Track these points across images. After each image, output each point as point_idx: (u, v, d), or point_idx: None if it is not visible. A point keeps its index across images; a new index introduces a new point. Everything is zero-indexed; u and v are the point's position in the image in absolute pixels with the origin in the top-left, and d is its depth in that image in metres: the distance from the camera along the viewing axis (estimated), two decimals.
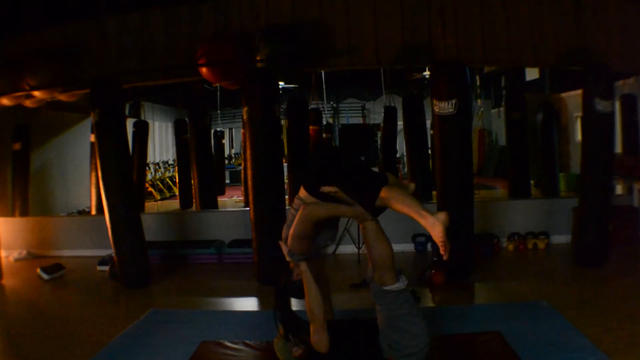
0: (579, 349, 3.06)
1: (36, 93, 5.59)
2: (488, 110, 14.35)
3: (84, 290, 5.10)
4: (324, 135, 9.59)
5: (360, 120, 15.87)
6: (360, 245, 5.70)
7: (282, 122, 6.56)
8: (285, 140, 7.37)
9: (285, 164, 6.71)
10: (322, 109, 9.49)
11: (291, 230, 2.63)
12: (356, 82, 12.80)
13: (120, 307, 4.71)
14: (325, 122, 10.46)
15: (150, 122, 9.32)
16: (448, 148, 4.78)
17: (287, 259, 2.74)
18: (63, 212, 8.72)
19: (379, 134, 11.52)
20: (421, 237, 6.03)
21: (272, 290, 2.99)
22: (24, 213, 7.44)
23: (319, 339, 2.63)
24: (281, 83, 9.02)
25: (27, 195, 7.60)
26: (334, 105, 15.60)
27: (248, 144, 4.96)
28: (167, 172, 13.18)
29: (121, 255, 5.01)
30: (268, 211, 4.90)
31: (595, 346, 3.08)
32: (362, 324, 2.84)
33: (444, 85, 4.72)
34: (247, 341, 3.42)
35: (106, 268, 5.50)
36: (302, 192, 2.67)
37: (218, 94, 10.17)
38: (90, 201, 8.02)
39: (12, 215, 7.34)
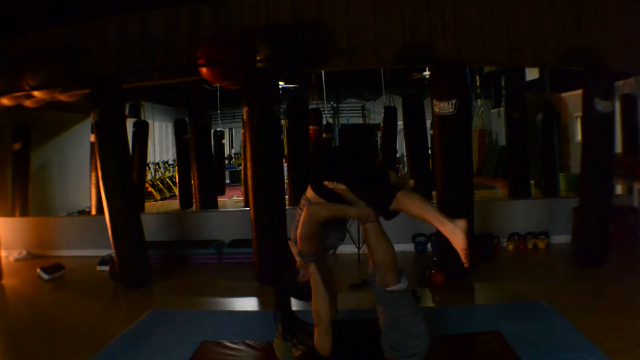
0: (579, 349, 3.06)
1: (36, 93, 5.59)
2: (488, 110, 14.36)
3: (84, 290, 5.10)
4: (324, 135, 9.59)
5: (360, 120, 15.88)
6: (360, 245, 5.70)
7: (282, 122, 6.57)
8: (285, 140, 7.38)
9: (285, 164, 6.71)
10: (322, 109, 9.49)
11: (298, 232, 2.62)
12: (356, 82, 12.80)
13: (120, 307, 4.71)
14: (325, 122, 10.45)
15: (150, 122, 9.32)
16: (448, 148, 4.78)
17: (297, 259, 2.72)
18: (63, 212, 8.72)
19: (379, 134, 11.53)
20: (421, 237, 6.03)
21: (273, 290, 2.97)
22: (24, 213, 7.44)
23: (322, 342, 2.63)
24: (281, 83, 9.02)
25: (27, 195, 7.60)
26: (334, 105, 15.61)
27: (248, 144, 4.96)
28: (167, 172, 13.19)
29: (121, 255, 5.01)
30: (268, 211, 4.90)
31: (595, 346, 3.08)
32: (363, 324, 2.85)
33: (444, 85, 4.72)
34: (247, 341, 3.42)
35: (106, 268, 5.49)
36: (309, 192, 2.64)
37: (218, 94, 10.17)
38: (90, 201, 8.02)
39: (12, 215, 7.34)
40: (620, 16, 5.32)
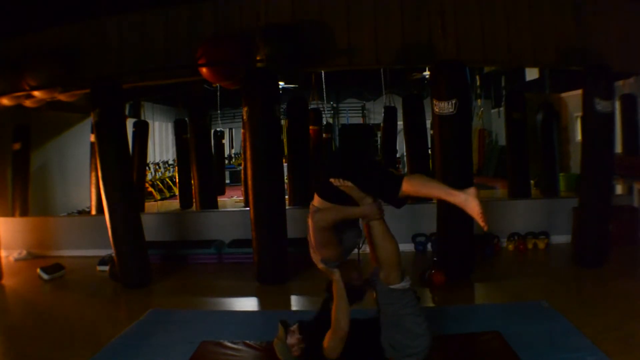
0: (579, 349, 3.06)
1: (36, 93, 5.59)
2: (488, 110, 14.36)
3: (84, 291, 5.10)
4: (324, 135, 9.59)
5: (360, 120, 15.88)
6: (361, 245, 5.69)
7: (282, 122, 6.56)
8: (285, 140, 7.37)
9: (285, 164, 6.71)
10: (322, 109, 9.49)
11: (312, 241, 2.63)
12: (356, 82, 12.82)
13: (120, 307, 4.71)
14: (325, 122, 10.45)
15: (150, 122, 9.31)
16: (448, 148, 4.78)
17: (320, 267, 2.73)
18: (63, 212, 8.71)
19: (379, 134, 11.53)
20: (421, 237, 6.03)
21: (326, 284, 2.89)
22: (24, 213, 7.44)
23: (334, 348, 2.62)
24: (281, 83, 9.01)
25: (27, 195, 7.61)
26: (334, 105, 15.61)
27: (248, 144, 4.96)
28: (167, 172, 13.19)
29: (121, 255, 5.01)
30: (268, 211, 4.90)
31: (595, 346, 3.08)
32: (364, 323, 2.84)
33: (444, 85, 4.71)
34: (247, 341, 3.41)
35: (106, 268, 5.49)
36: (316, 199, 2.65)
37: (218, 94, 10.18)
38: (90, 201, 8.02)
39: (12, 215, 7.33)
40: (620, 16, 5.32)
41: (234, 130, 17.51)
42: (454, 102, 4.65)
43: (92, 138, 7.60)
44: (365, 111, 15.93)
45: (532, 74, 10.68)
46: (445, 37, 5.11)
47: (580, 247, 5.13)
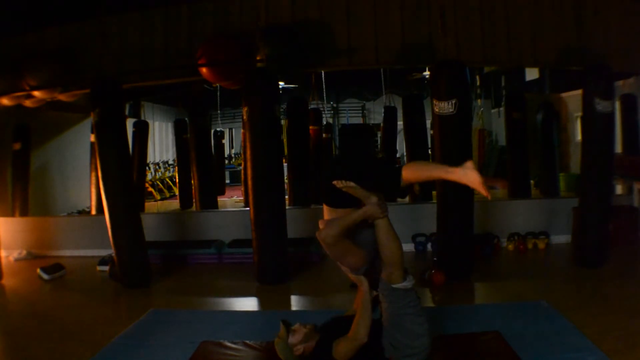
0: (579, 349, 3.06)
1: (36, 93, 5.59)
2: (488, 110, 14.33)
3: (84, 291, 5.10)
4: (324, 135, 9.58)
5: (360, 120, 15.86)
6: None
7: (282, 122, 6.56)
8: (285, 140, 7.37)
9: (285, 164, 6.71)
10: (322, 109, 9.48)
11: (332, 256, 2.65)
12: (356, 82, 12.81)
13: (120, 307, 4.71)
14: (325, 122, 10.45)
15: (150, 122, 9.32)
16: (448, 148, 4.78)
17: (352, 277, 2.72)
18: (63, 212, 8.72)
19: (379, 134, 11.51)
20: (421, 237, 6.03)
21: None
22: (24, 213, 7.44)
23: (346, 354, 2.64)
24: (281, 83, 9.01)
25: (27, 195, 7.61)
26: (334, 105, 15.60)
27: (248, 144, 4.96)
28: (167, 172, 13.19)
29: (121, 255, 5.01)
30: (268, 211, 4.90)
31: (595, 346, 3.08)
32: None
33: (444, 85, 4.71)
34: (247, 341, 3.41)
35: (106, 268, 5.49)
36: (325, 212, 2.66)
37: (218, 94, 10.17)
38: (90, 201, 8.02)
39: (12, 215, 7.34)
40: (620, 16, 5.32)
41: (234, 130, 17.50)
42: (454, 102, 4.65)
43: (92, 138, 7.60)
44: (365, 111, 15.91)
45: (532, 74, 10.68)
46: (445, 37, 5.11)
47: (580, 247, 5.13)
